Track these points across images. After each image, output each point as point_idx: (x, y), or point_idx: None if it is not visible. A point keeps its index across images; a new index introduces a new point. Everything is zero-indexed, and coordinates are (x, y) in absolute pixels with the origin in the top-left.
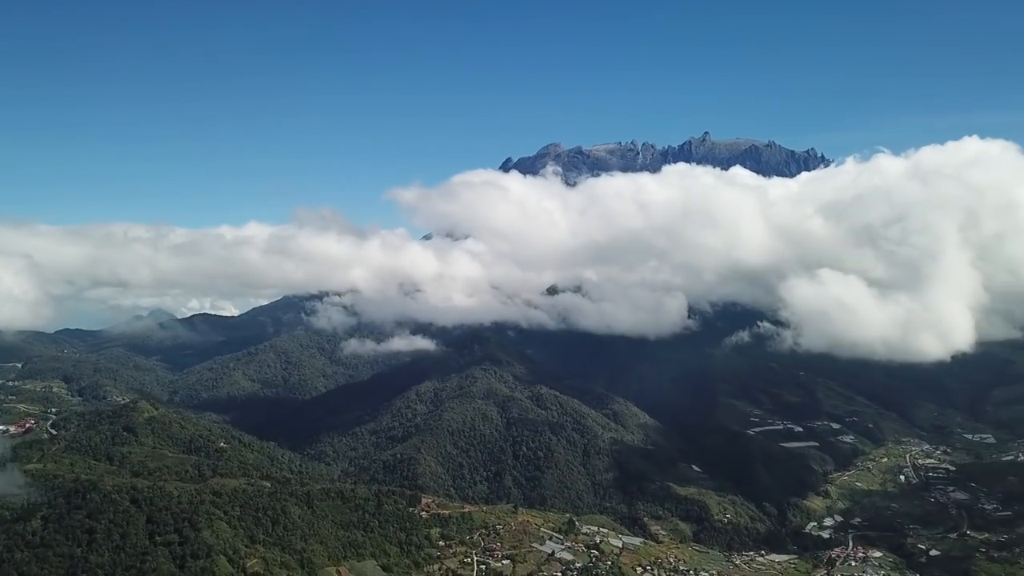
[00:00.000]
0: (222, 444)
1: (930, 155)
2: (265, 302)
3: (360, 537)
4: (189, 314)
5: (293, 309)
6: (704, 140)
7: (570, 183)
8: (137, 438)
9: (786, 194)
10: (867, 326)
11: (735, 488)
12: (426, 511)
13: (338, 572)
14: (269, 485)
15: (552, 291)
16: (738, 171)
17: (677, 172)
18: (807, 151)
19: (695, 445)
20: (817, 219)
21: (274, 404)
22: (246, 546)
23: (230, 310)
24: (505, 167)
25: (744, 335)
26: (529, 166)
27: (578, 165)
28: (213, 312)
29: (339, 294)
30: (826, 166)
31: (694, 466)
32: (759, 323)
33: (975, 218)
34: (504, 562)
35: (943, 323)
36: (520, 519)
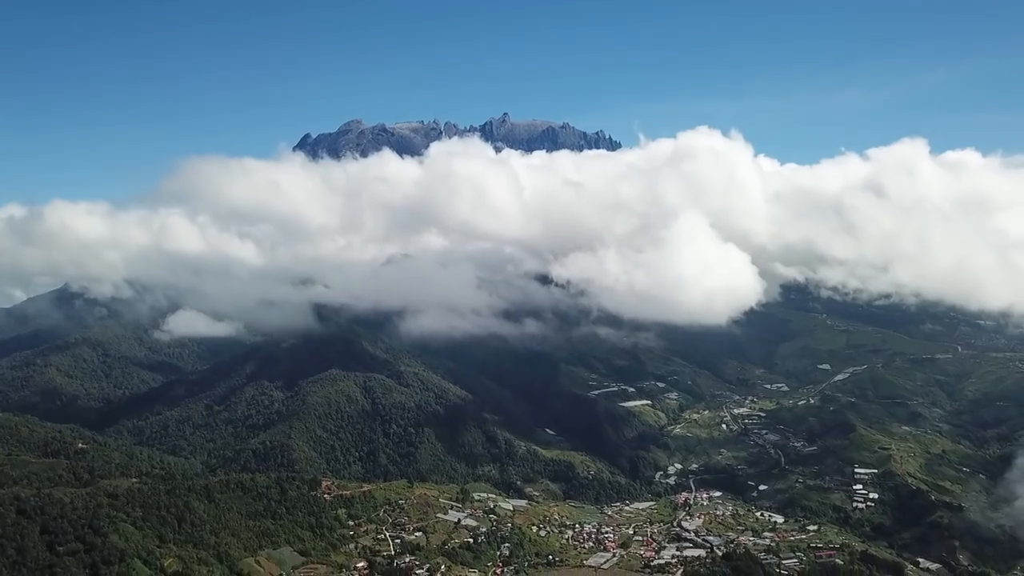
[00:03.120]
0: (81, 445)
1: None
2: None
3: (271, 525)
4: None
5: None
6: (504, 121)
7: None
8: None
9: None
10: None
11: (586, 447)
12: (328, 494)
13: (257, 562)
14: (162, 483)
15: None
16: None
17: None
18: (596, 133)
19: (545, 411)
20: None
21: (108, 401)
22: (158, 547)
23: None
24: (304, 144)
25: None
26: (331, 143)
27: (381, 142)
28: None
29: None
30: (610, 148)
31: (548, 430)
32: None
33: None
34: (417, 534)
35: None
36: (418, 493)
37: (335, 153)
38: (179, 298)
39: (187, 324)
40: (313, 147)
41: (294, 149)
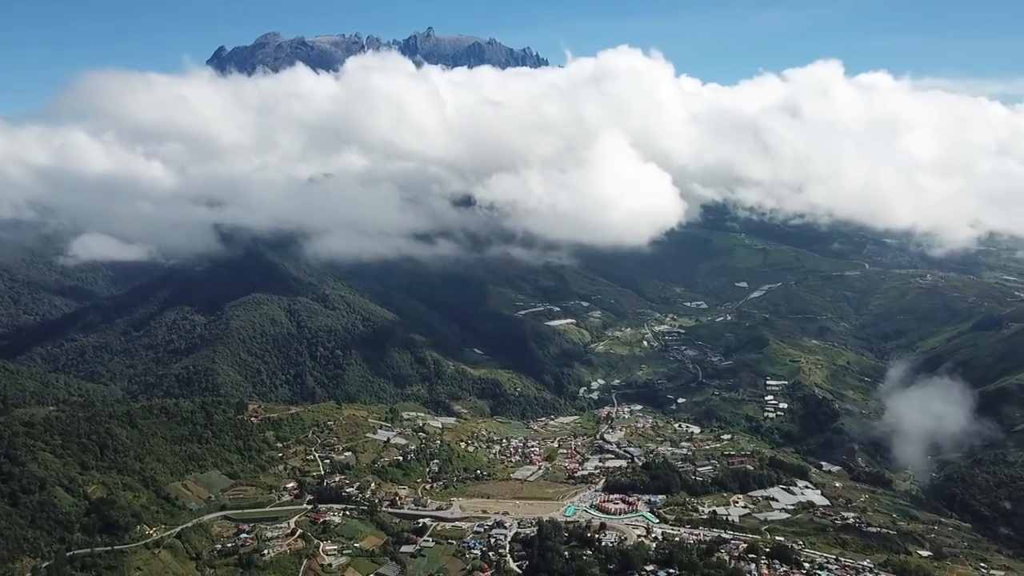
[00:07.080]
0: None
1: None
2: None
3: (198, 449)
4: None
5: None
6: (428, 35)
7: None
8: None
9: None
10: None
11: (513, 365)
12: (255, 417)
13: (185, 486)
14: (82, 410)
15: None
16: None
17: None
18: (523, 50)
19: (473, 331)
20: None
21: (17, 327)
22: (80, 474)
23: None
24: (218, 58)
25: None
26: (246, 56)
27: (299, 56)
28: None
29: None
30: (535, 65)
31: (476, 349)
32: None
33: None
34: (346, 454)
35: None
36: (347, 414)
37: (248, 68)
38: (84, 220)
39: (95, 247)
40: (224, 62)
41: (207, 63)
